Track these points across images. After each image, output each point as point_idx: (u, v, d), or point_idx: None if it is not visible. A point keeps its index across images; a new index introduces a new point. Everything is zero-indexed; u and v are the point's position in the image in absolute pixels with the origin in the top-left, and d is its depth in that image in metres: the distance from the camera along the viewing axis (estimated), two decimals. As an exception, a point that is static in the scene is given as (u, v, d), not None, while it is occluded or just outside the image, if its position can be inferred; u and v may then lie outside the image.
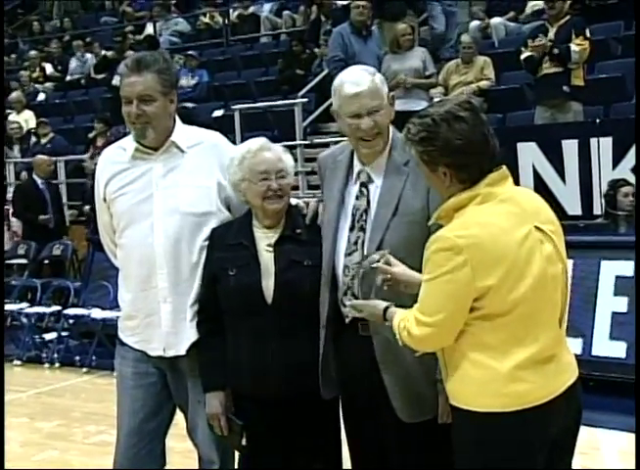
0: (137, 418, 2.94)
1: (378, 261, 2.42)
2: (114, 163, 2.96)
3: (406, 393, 2.56)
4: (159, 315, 2.88)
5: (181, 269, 2.86)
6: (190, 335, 2.86)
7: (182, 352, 2.88)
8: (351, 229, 2.64)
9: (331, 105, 9.60)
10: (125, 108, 2.85)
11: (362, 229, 2.62)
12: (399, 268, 2.43)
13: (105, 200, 2.97)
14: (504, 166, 2.32)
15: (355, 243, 2.61)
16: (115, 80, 9.97)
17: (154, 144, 2.89)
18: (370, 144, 2.62)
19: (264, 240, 2.78)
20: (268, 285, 2.71)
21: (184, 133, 2.95)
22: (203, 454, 2.97)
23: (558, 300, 2.31)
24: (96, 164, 3.13)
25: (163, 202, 2.87)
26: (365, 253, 2.57)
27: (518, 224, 2.24)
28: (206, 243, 2.86)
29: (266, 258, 2.75)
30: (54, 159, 9.88)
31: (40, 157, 9.41)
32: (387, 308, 2.39)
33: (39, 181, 9.21)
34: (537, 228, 2.27)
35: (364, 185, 2.66)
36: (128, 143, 2.96)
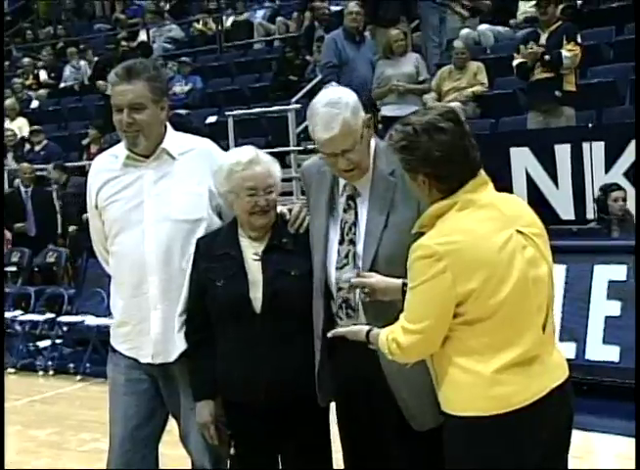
0: (130, 425, 2.93)
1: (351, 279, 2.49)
2: (106, 170, 2.96)
3: (417, 401, 2.54)
4: (149, 322, 2.88)
5: (172, 276, 2.86)
6: (180, 342, 2.86)
7: (171, 359, 2.88)
8: (341, 242, 2.63)
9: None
10: (116, 116, 2.85)
11: (352, 242, 2.61)
12: (374, 278, 2.49)
13: (96, 207, 2.97)
14: (483, 172, 2.33)
15: (346, 256, 2.60)
16: (108, 89, 9.97)
17: (145, 151, 2.90)
18: (349, 174, 2.62)
19: (251, 249, 2.78)
20: (256, 295, 2.71)
21: (175, 140, 2.95)
22: (195, 461, 2.97)
23: (542, 302, 2.32)
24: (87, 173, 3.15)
25: (155, 209, 2.87)
26: (360, 266, 2.56)
27: (498, 229, 2.26)
28: None
29: (253, 268, 2.75)
30: (47, 166, 9.89)
31: (23, 164, 9.43)
32: (369, 332, 2.41)
33: (23, 189, 9.21)
34: (519, 232, 2.29)
35: (351, 198, 2.65)
36: (120, 151, 2.96)
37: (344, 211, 2.65)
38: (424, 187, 2.31)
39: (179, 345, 2.87)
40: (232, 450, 2.75)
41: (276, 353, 2.69)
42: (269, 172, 2.76)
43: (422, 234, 2.32)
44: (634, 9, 7.77)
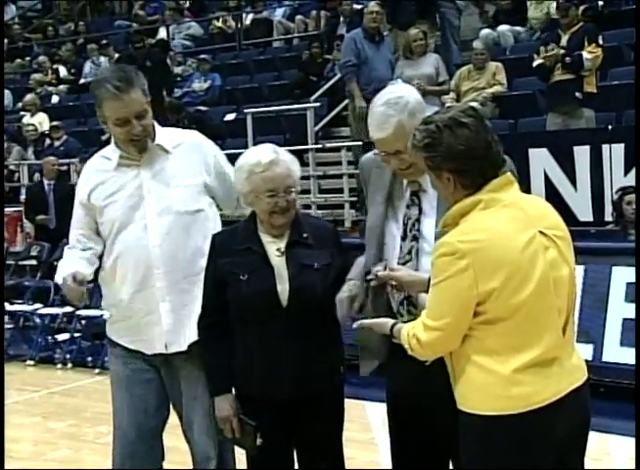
0: (138, 416, 2.97)
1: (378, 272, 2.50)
2: (99, 171, 3.00)
3: None
4: (158, 314, 2.92)
5: (178, 267, 2.91)
6: (191, 331, 2.91)
7: (184, 347, 2.93)
8: (403, 238, 2.62)
9: (343, 109, 9.62)
10: (122, 128, 2.86)
11: (415, 238, 2.60)
12: (401, 272, 2.52)
13: (86, 201, 3.00)
14: (509, 172, 2.35)
15: (409, 252, 2.60)
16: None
17: (139, 156, 2.95)
18: (405, 172, 2.61)
19: (273, 245, 2.79)
20: (283, 289, 2.73)
21: (165, 135, 3.00)
22: (199, 452, 2.99)
23: (563, 304, 2.33)
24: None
25: (156, 203, 2.92)
26: (425, 259, 2.55)
27: (521, 229, 2.27)
28: (201, 240, 2.91)
29: (277, 262, 2.76)
30: (66, 161, 9.96)
31: (47, 158, 9.50)
32: (393, 325, 2.43)
33: (46, 183, 9.28)
34: (542, 233, 2.30)
35: (415, 194, 2.64)
36: (111, 152, 3.00)
37: (408, 207, 2.64)
38: (448, 184, 2.32)
39: (190, 334, 2.91)
40: (259, 441, 2.74)
41: (299, 348, 2.72)
42: (289, 172, 2.75)
43: (445, 234, 2.33)
44: (635, 12, 7.73)
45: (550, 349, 2.28)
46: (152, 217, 2.91)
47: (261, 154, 2.76)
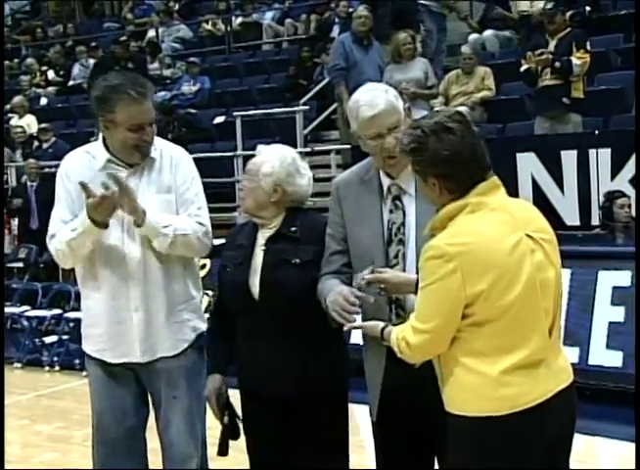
0: (115, 415, 2.98)
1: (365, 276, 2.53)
2: (85, 168, 2.95)
3: None
4: (128, 324, 2.92)
5: (153, 278, 2.92)
6: (164, 338, 2.94)
7: (157, 356, 2.95)
8: (389, 243, 2.63)
9: (332, 113, 9.65)
10: (135, 134, 2.85)
11: (401, 242, 2.62)
12: (388, 273, 2.54)
13: (73, 193, 2.92)
14: (495, 176, 2.37)
15: (396, 256, 2.62)
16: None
17: (138, 161, 2.94)
18: (396, 160, 2.61)
19: (261, 239, 2.88)
20: (254, 282, 2.80)
21: (156, 145, 2.98)
22: (177, 451, 2.99)
23: (549, 306, 2.35)
24: None
25: None
26: (414, 262, 2.55)
27: (508, 232, 2.30)
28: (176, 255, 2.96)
29: (258, 256, 2.85)
30: (55, 163, 9.94)
31: (29, 161, 9.52)
32: (384, 328, 2.45)
33: (29, 184, 9.29)
34: (528, 236, 2.33)
35: (397, 198, 2.66)
36: (98, 152, 2.96)
37: (391, 212, 2.65)
38: (434, 188, 2.34)
39: (163, 339, 2.95)
40: (225, 419, 2.90)
41: (277, 344, 2.76)
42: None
43: (433, 237, 2.36)
44: (635, 17, 7.80)
45: (537, 350, 2.30)
46: (131, 226, 2.89)
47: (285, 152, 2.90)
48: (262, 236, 2.87)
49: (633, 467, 4.12)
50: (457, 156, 2.30)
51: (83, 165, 2.97)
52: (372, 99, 2.60)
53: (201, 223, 2.96)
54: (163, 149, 3.01)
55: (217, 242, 3.10)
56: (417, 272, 2.50)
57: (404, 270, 2.59)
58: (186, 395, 2.99)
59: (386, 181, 2.68)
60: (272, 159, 2.85)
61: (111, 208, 2.81)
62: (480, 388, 2.27)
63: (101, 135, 3.00)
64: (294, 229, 2.83)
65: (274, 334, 2.76)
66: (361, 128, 2.62)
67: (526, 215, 2.39)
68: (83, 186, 2.78)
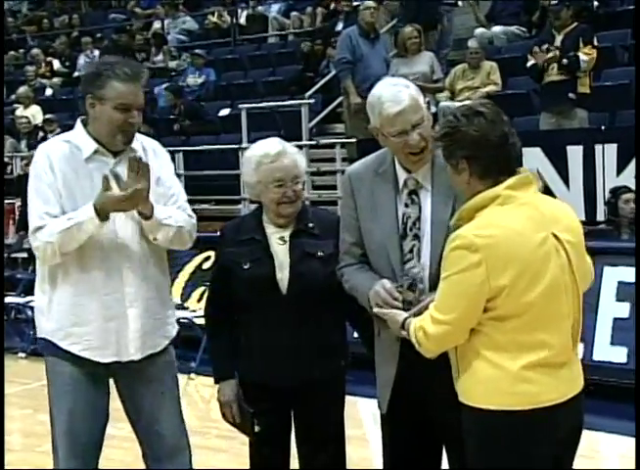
0: (85, 420, 2.87)
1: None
2: (67, 159, 2.83)
3: None
4: (122, 320, 2.83)
5: (146, 272, 2.87)
6: (154, 335, 2.90)
7: (147, 353, 2.88)
8: (403, 237, 2.61)
9: (337, 106, 9.63)
10: (121, 115, 2.78)
11: (417, 237, 2.59)
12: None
13: (54, 186, 2.80)
14: (529, 173, 2.38)
15: (410, 251, 2.59)
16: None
17: (122, 148, 2.86)
18: (419, 156, 2.59)
19: (276, 235, 2.87)
20: (283, 277, 2.80)
21: (134, 139, 2.91)
22: (167, 445, 2.94)
23: (571, 310, 2.35)
24: None
25: None
26: (428, 257, 2.56)
27: (535, 229, 2.29)
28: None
29: (279, 251, 2.84)
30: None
31: (33, 151, 9.51)
32: (406, 319, 2.44)
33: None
34: (554, 236, 2.32)
35: (414, 192, 2.63)
36: (82, 141, 2.85)
37: (406, 206, 2.62)
38: (464, 174, 2.34)
39: (160, 334, 2.92)
40: (256, 428, 2.83)
41: (300, 335, 2.78)
42: (296, 164, 2.85)
43: (458, 228, 2.36)
44: (635, 13, 7.77)
45: (561, 352, 2.31)
46: (120, 217, 2.82)
47: (269, 146, 2.87)
48: (277, 231, 2.86)
49: (634, 462, 4.12)
50: (486, 138, 2.31)
51: (66, 156, 2.83)
52: (396, 95, 2.55)
53: (190, 216, 2.95)
54: (144, 141, 2.97)
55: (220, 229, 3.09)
56: (433, 267, 2.52)
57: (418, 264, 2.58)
58: (172, 389, 2.98)
59: (402, 175, 2.65)
60: (298, 153, 2.87)
61: (137, 201, 2.71)
62: (499, 382, 2.27)
63: (79, 123, 2.90)
64: (311, 225, 2.86)
65: (297, 326, 2.78)
66: (385, 125, 2.57)
67: (555, 214, 2.38)
68: (105, 179, 2.69)
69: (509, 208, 2.30)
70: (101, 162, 2.84)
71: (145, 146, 2.95)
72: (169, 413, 2.95)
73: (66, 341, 2.86)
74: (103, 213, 2.73)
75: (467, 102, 2.39)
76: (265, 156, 2.82)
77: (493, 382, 2.28)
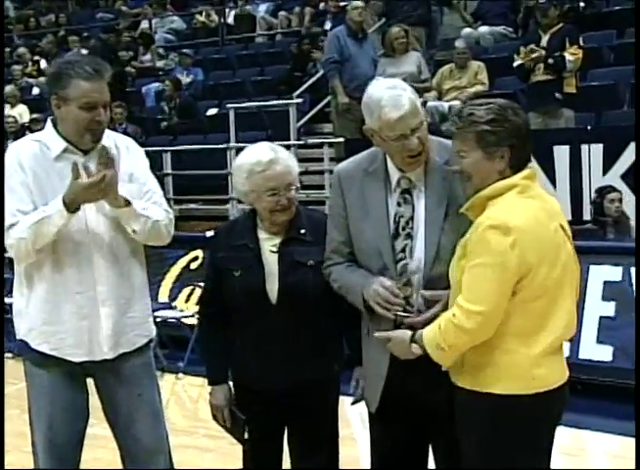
0: (64, 420, 2.85)
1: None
2: (37, 157, 2.82)
3: None
4: (93, 320, 2.81)
5: (120, 270, 2.84)
6: (129, 334, 2.87)
7: (119, 352, 2.86)
8: (395, 237, 2.60)
9: (325, 106, 9.61)
10: (88, 113, 2.75)
11: (409, 236, 2.58)
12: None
13: (26, 183, 2.78)
14: (533, 166, 2.47)
15: (403, 250, 2.58)
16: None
17: (91, 146, 2.84)
18: (417, 159, 2.58)
19: (268, 242, 2.81)
20: (272, 287, 2.75)
21: (106, 137, 2.89)
22: (143, 448, 2.91)
23: (574, 297, 2.44)
24: None
25: (96, 202, 2.79)
26: (423, 257, 2.55)
27: (549, 219, 2.39)
28: (136, 243, 2.87)
29: (270, 259, 2.78)
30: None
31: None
32: (413, 334, 2.43)
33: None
34: (561, 227, 2.42)
35: (407, 191, 2.62)
36: (50, 140, 2.84)
37: (399, 205, 2.61)
38: (500, 162, 2.38)
39: (134, 333, 2.88)
40: (246, 435, 2.81)
41: (291, 344, 2.75)
42: (289, 170, 2.75)
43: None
44: (635, 13, 7.82)
45: (562, 335, 2.40)
46: (92, 218, 2.81)
47: (260, 153, 2.75)
48: (269, 238, 2.80)
49: (623, 460, 4.16)
50: (528, 130, 2.42)
51: (36, 155, 2.82)
52: (396, 99, 2.52)
53: (167, 211, 2.92)
54: (117, 139, 2.94)
55: (210, 234, 3.07)
56: (427, 267, 2.54)
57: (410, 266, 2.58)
58: (150, 391, 2.96)
59: (395, 174, 2.63)
60: (290, 158, 2.80)
61: (106, 189, 2.69)
62: (515, 367, 2.33)
63: (49, 123, 2.89)
64: (303, 231, 2.79)
65: (287, 335, 2.74)
66: (384, 129, 2.54)
67: (555, 207, 2.47)
68: (75, 167, 2.68)
69: (525, 197, 2.37)
70: (70, 160, 2.79)
71: (117, 143, 2.92)
72: (146, 415, 2.92)
73: (37, 340, 2.85)
74: (72, 205, 2.70)
75: (496, 101, 2.43)
76: (257, 164, 2.72)
77: (509, 367, 2.33)
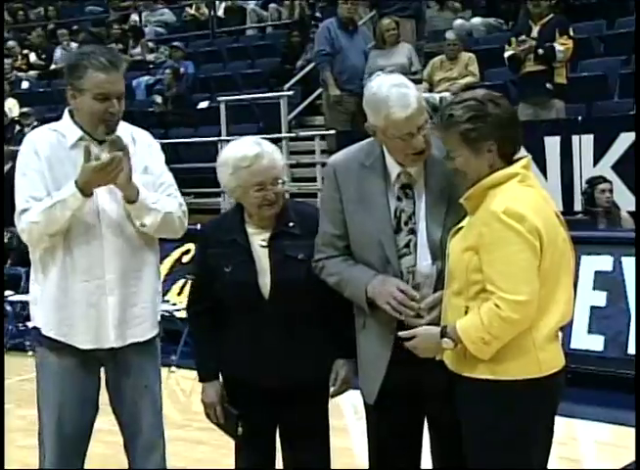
0: (71, 410, 2.87)
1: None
2: (53, 146, 2.85)
3: None
4: (100, 307, 2.83)
5: (128, 261, 2.85)
6: (137, 324, 2.88)
7: (128, 342, 2.87)
8: (397, 232, 2.58)
9: (316, 98, 9.59)
10: (102, 104, 2.78)
11: (412, 232, 2.57)
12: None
13: (41, 171, 2.82)
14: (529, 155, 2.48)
15: (406, 246, 2.57)
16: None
17: (105, 137, 2.84)
18: (419, 156, 2.56)
19: (257, 236, 2.79)
20: (265, 282, 2.74)
21: (124, 128, 2.93)
22: (144, 440, 2.93)
23: (571, 283, 2.47)
24: None
25: (109, 192, 2.83)
26: (427, 253, 2.55)
27: (547, 206, 2.43)
28: (145, 235, 2.87)
29: (261, 254, 2.76)
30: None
31: (9, 146, 9.50)
32: (444, 329, 2.41)
33: (6, 167, 9.26)
34: (556, 215, 2.46)
35: (407, 186, 2.60)
36: (66, 129, 2.88)
37: (399, 199, 2.59)
38: (489, 156, 2.40)
39: (139, 323, 2.88)
40: (240, 430, 2.81)
41: (284, 339, 2.74)
42: (274, 164, 2.72)
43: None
44: (636, 3, 7.83)
45: (564, 318, 2.43)
46: (104, 206, 2.83)
47: (246, 148, 2.72)
48: (259, 233, 2.78)
49: (612, 448, 4.19)
50: (514, 119, 2.44)
51: (52, 144, 2.86)
52: (403, 98, 2.49)
53: (180, 203, 2.94)
54: (134, 131, 2.96)
55: (200, 227, 3.08)
56: (428, 262, 2.54)
57: (415, 262, 2.56)
58: (155, 383, 2.97)
59: (394, 168, 2.60)
60: (276, 151, 2.76)
61: (117, 172, 2.71)
62: (524, 352, 2.35)
63: (67, 113, 2.92)
64: (292, 224, 2.77)
65: (280, 331, 2.73)
66: (390, 127, 2.51)
67: (547, 196, 2.50)
68: (86, 149, 2.72)
69: (525, 185, 2.41)
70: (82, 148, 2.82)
71: (134, 136, 2.95)
72: (148, 408, 2.93)
73: (48, 326, 2.87)
74: (86, 188, 2.73)
75: (478, 92, 2.44)
76: (242, 159, 2.69)
77: (520, 352, 2.35)
